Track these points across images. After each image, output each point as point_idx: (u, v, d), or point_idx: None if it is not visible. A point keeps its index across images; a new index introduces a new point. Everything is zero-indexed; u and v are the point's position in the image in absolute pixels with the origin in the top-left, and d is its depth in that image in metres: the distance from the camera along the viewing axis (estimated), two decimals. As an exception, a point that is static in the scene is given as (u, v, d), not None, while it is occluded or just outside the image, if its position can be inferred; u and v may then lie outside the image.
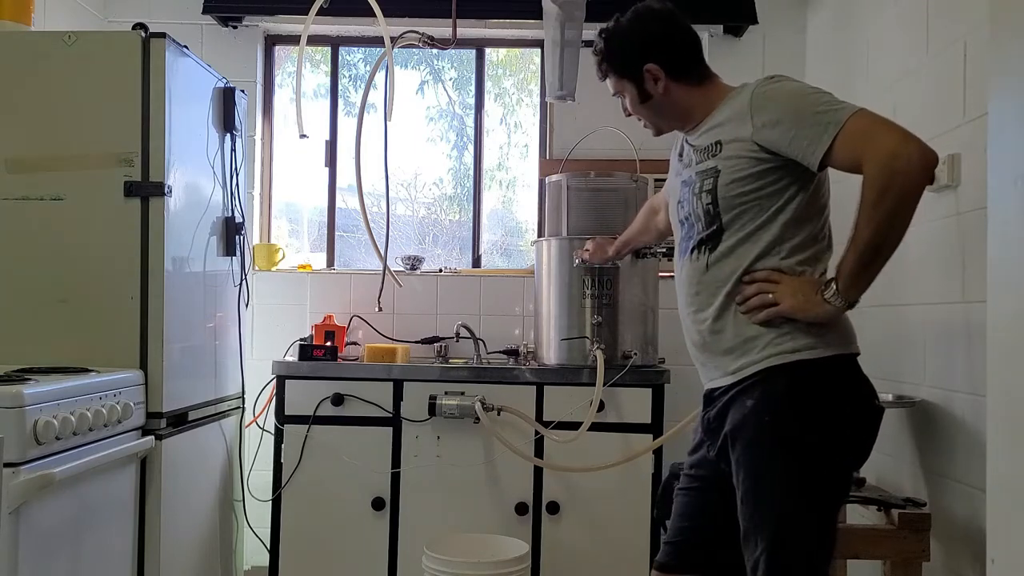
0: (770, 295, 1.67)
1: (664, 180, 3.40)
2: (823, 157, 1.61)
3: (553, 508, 2.88)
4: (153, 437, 2.38)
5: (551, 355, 2.96)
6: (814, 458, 1.64)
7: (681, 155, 1.90)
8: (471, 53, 3.70)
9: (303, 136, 3.28)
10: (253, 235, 3.50)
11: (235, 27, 3.52)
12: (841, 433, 1.66)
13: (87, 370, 2.24)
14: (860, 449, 1.71)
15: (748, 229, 1.71)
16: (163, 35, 2.43)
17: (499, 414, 2.82)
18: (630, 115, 1.95)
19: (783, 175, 1.69)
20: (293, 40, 3.62)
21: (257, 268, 3.48)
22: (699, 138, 1.81)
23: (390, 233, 3.29)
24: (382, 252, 3.25)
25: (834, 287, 1.63)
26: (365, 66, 3.75)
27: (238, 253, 2.93)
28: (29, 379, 1.99)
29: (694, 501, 1.87)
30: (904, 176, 1.52)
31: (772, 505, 1.65)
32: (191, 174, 2.61)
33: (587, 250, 2.71)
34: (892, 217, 1.55)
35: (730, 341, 1.73)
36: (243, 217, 2.94)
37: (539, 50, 3.53)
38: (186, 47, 2.57)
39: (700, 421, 1.86)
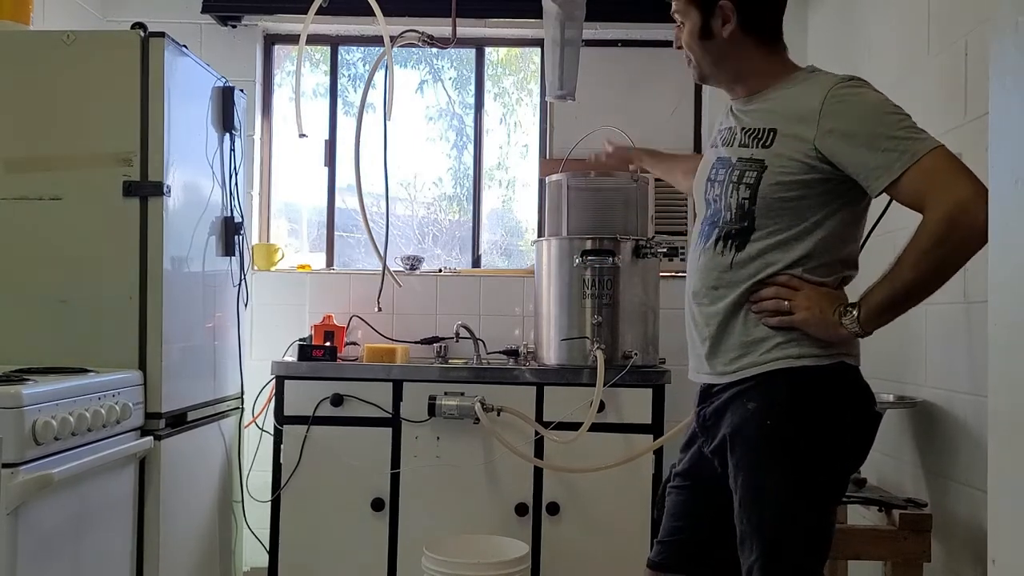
0: (786, 302, 1.61)
1: (664, 181, 3.42)
2: (887, 186, 1.53)
3: (553, 509, 2.87)
4: (152, 437, 2.38)
5: (551, 355, 2.95)
6: (814, 463, 1.61)
7: (721, 125, 1.79)
8: (471, 52, 3.69)
9: (302, 136, 3.28)
10: (252, 235, 3.50)
11: (234, 26, 3.52)
12: (840, 439, 1.63)
13: (86, 370, 2.24)
14: (858, 454, 1.69)
15: (780, 236, 1.63)
16: (162, 34, 2.43)
17: (499, 414, 2.82)
18: (679, 48, 1.77)
19: (832, 189, 1.60)
20: (292, 39, 3.61)
21: (256, 268, 3.48)
22: (751, 114, 1.69)
23: (389, 233, 3.29)
24: (381, 252, 3.24)
25: (854, 314, 1.57)
26: (364, 65, 3.75)
27: (237, 253, 2.92)
28: (28, 379, 1.99)
29: (687, 499, 1.84)
30: (967, 232, 1.45)
31: (771, 510, 1.62)
32: (190, 174, 2.61)
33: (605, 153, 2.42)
34: (940, 268, 1.50)
35: (736, 339, 1.67)
36: (242, 217, 2.93)
37: (539, 49, 3.52)
38: (185, 46, 2.56)
39: (695, 417, 1.81)
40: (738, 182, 1.65)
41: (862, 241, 1.76)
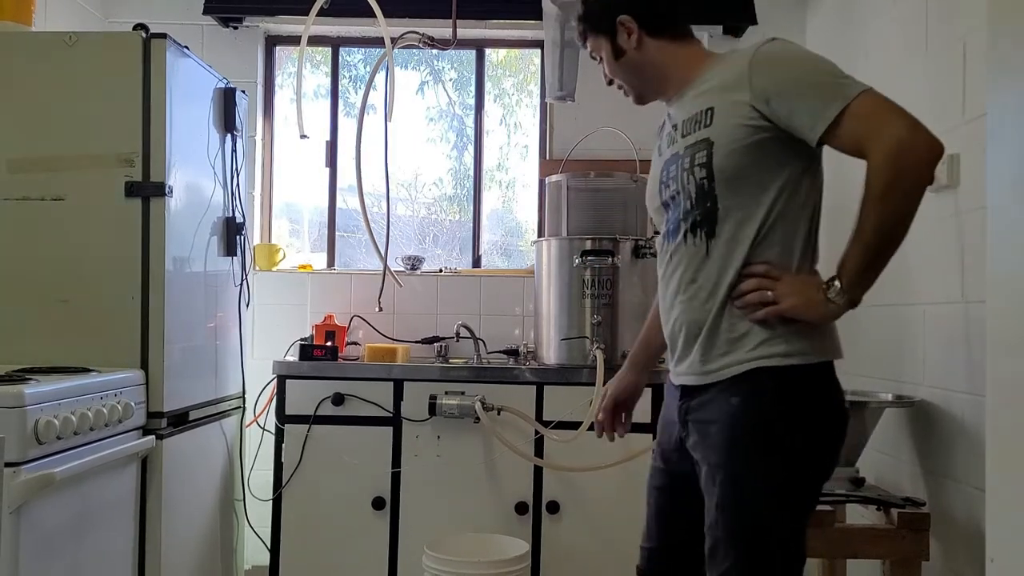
0: (769, 293, 1.57)
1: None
2: (823, 134, 1.51)
3: (553, 507, 2.88)
4: (154, 437, 2.39)
5: (551, 355, 2.96)
6: (798, 464, 1.57)
7: (662, 133, 1.78)
8: (471, 54, 3.70)
9: (303, 136, 3.29)
10: (254, 235, 3.50)
11: (236, 28, 3.53)
12: (825, 439, 1.60)
13: (88, 370, 2.24)
14: (837, 455, 1.64)
15: (746, 210, 1.59)
16: (164, 35, 2.44)
17: (499, 414, 2.82)
18: (611, 83, 1.83)
19: (782, 148, 1.57)
20: (294, 41, 3.62)
21: (258, 268, 3.49)
22: (685, 106, 1.68)
23: (390, 233, 3.29)
24: (382, 252, 3.25)
25: (838, 285, 1.52)
26: (365, 67, 3.76)
27: (239, 253, 2.93)
28: (30, 379, 2.00)
29: (669, 499, 1.79)
30: (912, 169, 1.45)
31: (751, 512, 1.56)
32: (192, 174, 2.62)
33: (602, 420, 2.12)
34: (897, 211, 1.47)
35: (722, 336, 1.62)
36: (244, 217, 2.94)
37: (539, 51, 3.53)
38: (187, 47, 2.57)
39: (675, 410, 1.73)
40: (691, 167, 1.63)
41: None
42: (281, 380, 2.95)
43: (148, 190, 2.42)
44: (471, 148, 3.72)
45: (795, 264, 1.61)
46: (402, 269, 3.49)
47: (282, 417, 2.93)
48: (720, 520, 1.58)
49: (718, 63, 1.68)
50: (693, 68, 1.71)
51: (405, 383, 2.91)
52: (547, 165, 3.53)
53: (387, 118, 3.26)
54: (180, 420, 2.57)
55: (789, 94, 1.54)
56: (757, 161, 1.58)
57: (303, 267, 3.58)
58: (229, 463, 2.94)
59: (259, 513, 3.06)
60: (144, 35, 2.43)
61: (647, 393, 2.84)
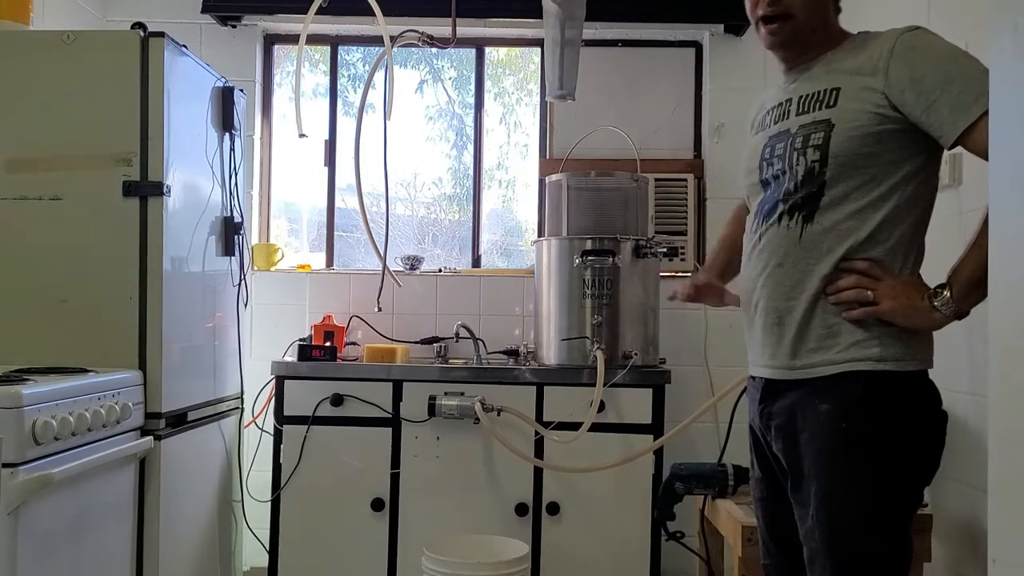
0: (869, 292, 1.49)
1: (664, 180, 3.43)
2: (963, 132, 1.42)
3: (553, 509, 2.87)
4: (152, 437, 2.38)
5: (551, 355, 2.96)
6: (892, 476, 1.50)
7: (762, 110, 1.71)
8: (471, 52, 3.69)
9: (302, 136, 3.28)
10: (252, 235, 3.50)
11: (234, 26, 3.52)
12: (921, 448, 1.53)
13: (86, 370, 2.24)
14: (935, 462, 1.59)
15: (857, 204, 1.51)
16: (162, 34, 2.43)
17: (499, 414, 2.82)
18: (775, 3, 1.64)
19: (907, 143, 1.49)
20: (292, 39, 3.61)
21: (256, 268, 3.48)
22: (809, 80, 1.60)
23: (389, 233, 3.29)
24: (381, 252, 3.24)
25: (947, 295, 1.44)
26: (364, 66, 3.75)
27: (237, 253, 2.93)
28: (28, 379, 1.99)
29: (778, 510, 1.67)
30: None
31: (847, 525, 1.50)
32: (190, 174, 2.61)
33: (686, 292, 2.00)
34: None
35: (814, 331, 1.54)
36: (242, 217, 2.93)
37: (539, 49, 3.52)
38: (185, 46, 2.56)
39: (756, 414, 1.66)
40: (803, 147, 1.55)
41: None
42: (280, 380, 2.95)
43: (146, 189, 2.41)
44: (471, 147, 3.71)
45: (898, 266, 1.53)
46: (401, 269, 3.48)
47: (281, 418, 2.93)
48: (817, 532, 1.52)
49: (852, 43, 1.62)
50: (831, 43, 1.64)
51: (404, 384, 2.91)
52: (547, 164, 3.53)
53: (386, 117, 3.25)
54: (178, 421, 2.56)
55: (931, 88, 1.46)
56: (876, 152, 1.51)
57: (302, 267, 3.57)
58: (227, 464, 2.94)
59: (257, 514, 3.05)
60: (142, 34, 2.43)
61: (647, 394, 2.87)
